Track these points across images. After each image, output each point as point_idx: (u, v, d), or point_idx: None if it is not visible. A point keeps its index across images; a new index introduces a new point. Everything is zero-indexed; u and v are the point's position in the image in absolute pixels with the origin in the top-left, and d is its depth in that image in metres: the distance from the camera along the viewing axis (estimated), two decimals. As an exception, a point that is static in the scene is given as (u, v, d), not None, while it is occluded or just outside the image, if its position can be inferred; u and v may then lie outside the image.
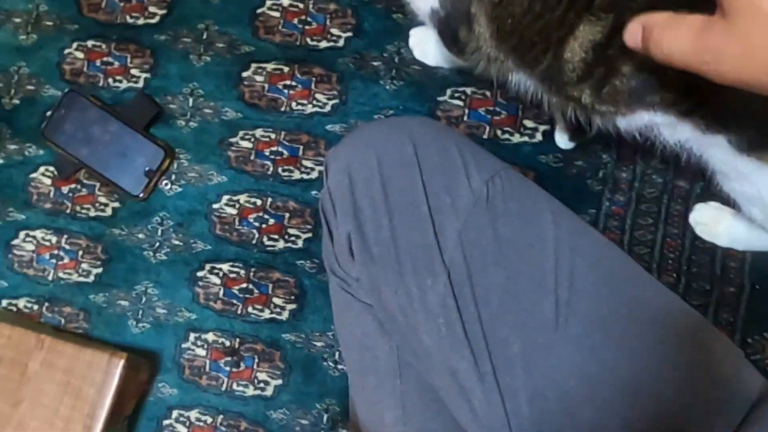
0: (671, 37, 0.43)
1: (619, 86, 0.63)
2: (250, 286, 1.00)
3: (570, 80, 0.65)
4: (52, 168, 1.07)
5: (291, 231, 1.00)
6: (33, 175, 1.08)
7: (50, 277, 1.05)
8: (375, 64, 1.02)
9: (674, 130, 0.67)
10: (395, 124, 0.66)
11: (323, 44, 1.04)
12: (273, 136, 1.03)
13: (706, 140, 0.65)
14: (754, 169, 0.64)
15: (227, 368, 0.99)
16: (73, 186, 1.07)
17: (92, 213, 1.06)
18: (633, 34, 0.47)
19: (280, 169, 1.02)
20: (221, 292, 1.01)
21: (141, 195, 1.03)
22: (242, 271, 1.01)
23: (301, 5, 1.05)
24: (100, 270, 1.04)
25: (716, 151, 0.66)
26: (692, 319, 0.61)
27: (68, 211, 1.06)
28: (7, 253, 1.07)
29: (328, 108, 1.02)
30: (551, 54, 0.64)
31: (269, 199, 1.01)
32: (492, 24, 0.66)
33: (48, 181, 1.07)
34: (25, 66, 1.10)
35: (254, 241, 1.01)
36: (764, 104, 0.47)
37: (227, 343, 1.00)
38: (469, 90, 0.98)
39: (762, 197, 0.70)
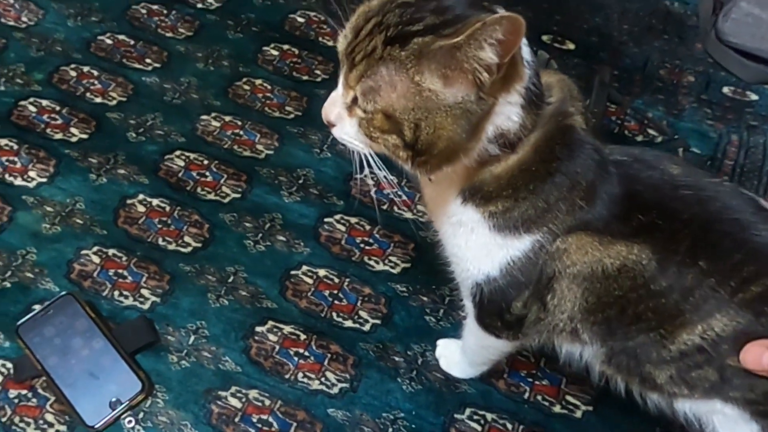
0: None
1: (709, 374, 0.63)
2: None
3: (661, 359, 0.65)
4: (9, 365, 0.94)
5: None
6: (-16, 367, 0.94)
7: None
8: (397, 359, 0.96)
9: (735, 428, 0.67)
10: None
11: (348, 323, 1.00)
12: (267, 402, 0.92)
13: None
14: None
15: None
16: (24, 392, 0.92)
17: (30, 430, 0.89)
18: (756, 356, 0.52)
19: (263, 443, 0.89)
20: None
21: (96, 427, 0.88)
22: None
23: (336, 279, 1.04)
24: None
25: None
26: None
27: (4, 419, 0.90)
28: None
29: (335, 390, 0.93)
30: (659, 333, 0.64)
31: (240, 475, 0.87)
32: (589, 296, 0.65)
33: (-2, 379, 0.93)
34: (35, 253, 1.04)
35: None
36: None
37: None
38: (489, 416, 0.92)
39: None
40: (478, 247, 0.68)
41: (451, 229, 0.70)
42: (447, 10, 0.57)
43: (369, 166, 0.63)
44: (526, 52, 0.60)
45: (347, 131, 0.62)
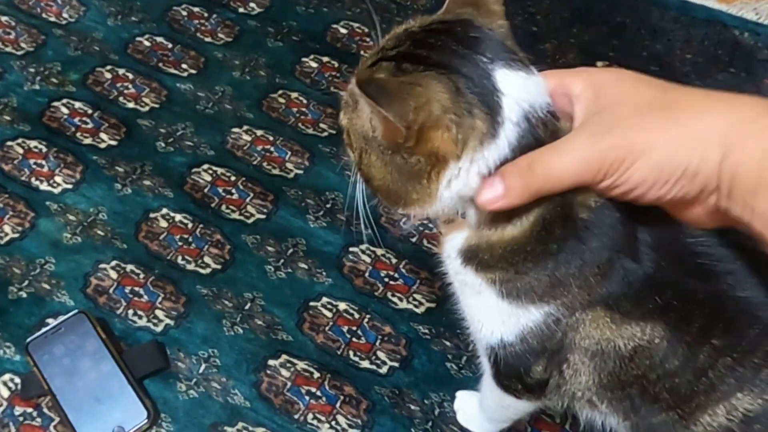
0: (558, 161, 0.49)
1: None
2: None
3: None
4: (18, 380, 0.92)
5: None
6: (-7, 381, 0.92)
7: None
8: (412, 408, 0.91)
9: None
10: None
11: (365, 363, 0.95)
12: (274, 444, 0.88)
13: None
14: None
15: None
16: (30, 410, 0.90)
17: (32, 451, 0.88)
18: (494, 188, 0.51)
19: (265, 488, 0.86)
20: None
21: (97, 454, 0.86)
22: None
23: (356, 315, 0.99)
24: None
25: None
26: None
27: (7, 437, 0.89)
28: None
29: (345, 436, 0.89)
30: (677, 413, 0.60)
31: None
32: (601, 373, 0.62)
33: (6, 394, 0.91)
34: (53, 264, 1.02)
35: None
36: None
37: None
38: (505, 480, 0.86)
39: None
40: (487, 310, 0.64)
41: (460, 287, 0.67)
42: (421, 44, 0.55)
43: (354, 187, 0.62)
44: (510, 109, 0.53)
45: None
